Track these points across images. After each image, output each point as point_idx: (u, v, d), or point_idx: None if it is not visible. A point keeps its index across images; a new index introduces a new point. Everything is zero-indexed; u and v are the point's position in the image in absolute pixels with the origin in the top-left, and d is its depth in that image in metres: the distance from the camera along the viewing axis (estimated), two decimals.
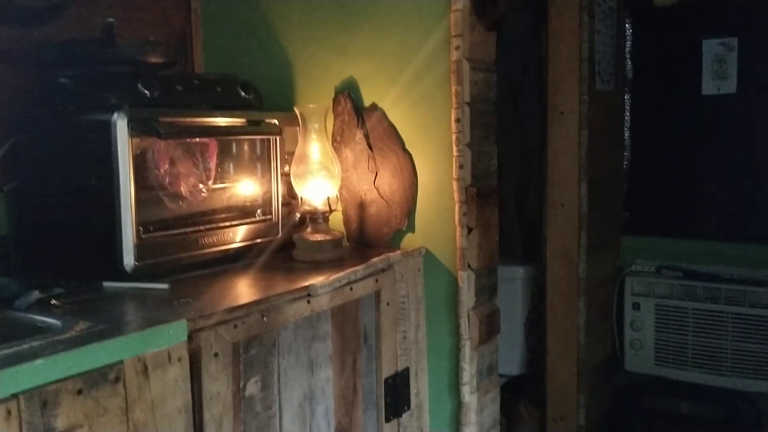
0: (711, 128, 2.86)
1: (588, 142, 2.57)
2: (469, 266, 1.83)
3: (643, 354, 2.91)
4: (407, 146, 1.89)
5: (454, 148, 1.81)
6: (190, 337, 1.23)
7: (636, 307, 2.90)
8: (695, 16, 2.81)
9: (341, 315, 1.61)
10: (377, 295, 1.70)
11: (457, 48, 1.78)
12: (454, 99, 1.80)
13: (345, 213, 1.98)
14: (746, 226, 2.81)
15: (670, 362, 2.86)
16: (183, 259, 1.62)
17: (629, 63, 2.97)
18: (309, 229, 1.80)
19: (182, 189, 1.64)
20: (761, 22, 2.72)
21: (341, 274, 1.58)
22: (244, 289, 1.54)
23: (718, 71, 2.77)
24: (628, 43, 2.95)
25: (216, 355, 1.27)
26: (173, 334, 1.20)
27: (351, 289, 1.60)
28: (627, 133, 3.02)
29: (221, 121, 1.71)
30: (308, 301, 1.48)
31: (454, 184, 1.82)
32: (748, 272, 2.75)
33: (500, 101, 2.01)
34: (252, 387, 1.37)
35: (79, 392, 1.05)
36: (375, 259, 1.70)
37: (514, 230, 3.07)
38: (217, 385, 1.28)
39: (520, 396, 2.83)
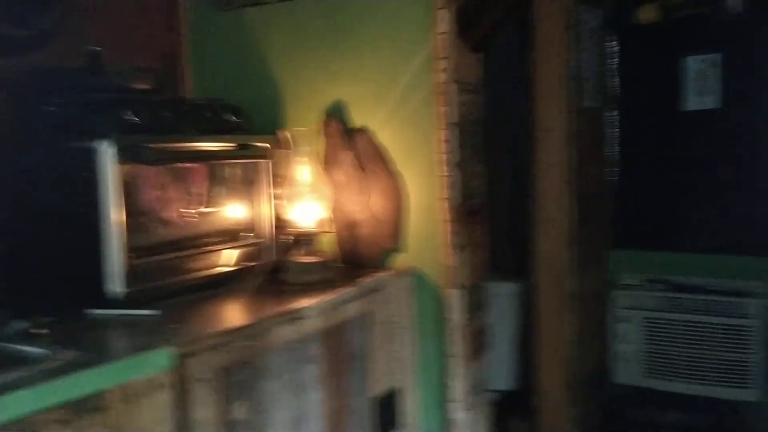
0: (695, 143, 2.89)
1: (576, 158, 2.59)
2: (458, 284, 1.85)
3: (633, 366, 2.93)
4: (396, 167, 1.90)
5: (443, 168, 1.83)
6: (177, 363, 1.23)
7: (624, 320, 2.92)
8: (678, 32, 2.84)
9: (331, 336, 1.62)
10: (367, 315, 1.71)
11: (444, 70, 1.80)
12: (442, 120, 1.81)
13: (338, 234, 1.99)
14: (730, 239, 2.83)
15: (659, 374, 2.88)
16: (174, 284, 1.62)
17: (617, 80, 3.00)
18: (298, 252, 1.81)
19: (172, 214, 1.65)
20: (744, 38, 2.75)
21: (330, 296, 1.59)
22: (233, 313, 1.55)
23: (702, 87, 2.80)
24: (615, 61, 2.98)
25: (203, 380, 1.28)
26: (158, 361, 1.20)
27: (340, 310, 1.62)
28: (615, 149, 3.04)
29: (210, 145, 1.71)
30: (297, 324, 1.49)
31: (443, 204, 1.84)
32: (733, 283, 2.78)
33: (492, 119, 2.03)
34: (240, 411, 1.38)
35: (65, 422, 1.05)
36: (364, 280, 1.72)
37: (506, 247, 3.08)
38: (204, 410, 1.28)
39: (511, 411, 2.84)
